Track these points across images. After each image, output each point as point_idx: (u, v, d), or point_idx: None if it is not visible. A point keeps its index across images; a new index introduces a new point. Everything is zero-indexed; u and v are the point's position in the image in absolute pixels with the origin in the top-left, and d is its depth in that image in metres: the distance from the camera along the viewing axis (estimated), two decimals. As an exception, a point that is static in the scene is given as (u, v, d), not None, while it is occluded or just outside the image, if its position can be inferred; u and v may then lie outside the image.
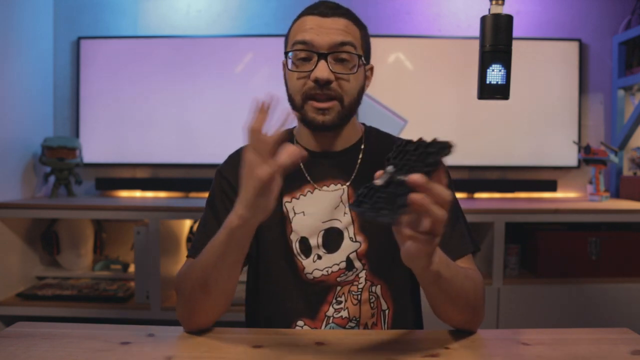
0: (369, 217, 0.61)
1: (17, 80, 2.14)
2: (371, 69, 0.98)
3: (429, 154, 0.61)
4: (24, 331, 0.81)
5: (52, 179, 2.30)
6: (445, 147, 0.60)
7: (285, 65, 0.96)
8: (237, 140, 1.09)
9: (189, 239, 2.22)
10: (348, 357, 0.74)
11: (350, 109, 0.92)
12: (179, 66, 2.34)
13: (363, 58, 0.91)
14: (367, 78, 0.96)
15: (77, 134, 2.36)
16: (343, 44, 0.87)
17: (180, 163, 2.36)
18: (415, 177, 0.58)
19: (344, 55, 0.88)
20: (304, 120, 0.91)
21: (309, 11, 0.91)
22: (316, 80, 0.86)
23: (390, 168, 0.65)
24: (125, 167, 2.41)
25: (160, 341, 0.79)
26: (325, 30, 0.87)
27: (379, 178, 0.64)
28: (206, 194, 0.99)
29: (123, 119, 2.35)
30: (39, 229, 2.18)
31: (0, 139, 2.03)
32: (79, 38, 2.36)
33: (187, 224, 2.23)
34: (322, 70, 0.86)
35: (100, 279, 2.19)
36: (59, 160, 2.19)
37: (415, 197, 0.58)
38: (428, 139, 0.63)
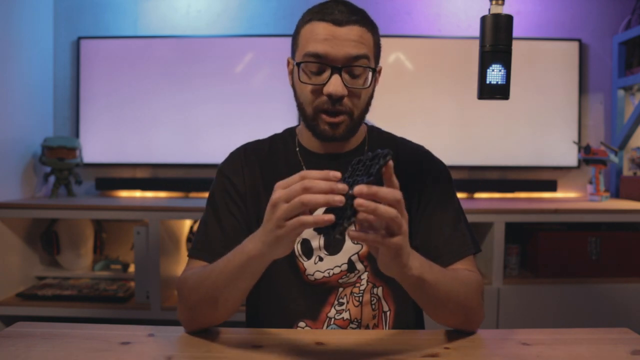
0: (327, 237, 0.63)
1: (17, 80, 2.14)
2: (380, 70, 0.94)
3: (371, 166, 0.63)
4: (24, 331, 0.81)
5: (52, 179, 2.30)
6: (383, 156, 0.62)
7: (291, 63, 0.93)
8: (237, 139, 1.08)
9: (189, 239, 2.22)
10: (348, 357, 0.74)
11: (360, 120, 0.91)
12: (179, 66, 2.34)
13: (375, 68, 0.89)
14: (375, 81, 0.93)
15: (77, 134, 2.36)
16: (358, 57, 0.84)
17: (180, 163, 2.36)
18: (358, 188, 0.60)
19: (357, 70, 0.85)
20: (314, 131, 0.89)
21: (321, 16, 0.85)
22: (329, 96, 0.84)
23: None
24: (125, 167, 2.41)
25: (160, 341, 0.79)
26: (340, 42, 0.83)
27: None
28: (206, 194, 0.98)
29: (123, 119, 2.35)
30: (39, 229, 2.18)
31: (0, 139, 2.03)
32: (79, 38, 2.36)
33: (187, 224, 2.23)
34: (336, 85, 0.83)
35: (100, 279, 2.19)
36: (59, 160, 2.19)
37: (358, 201, 0.60)
38: (373, 152, 0.66)
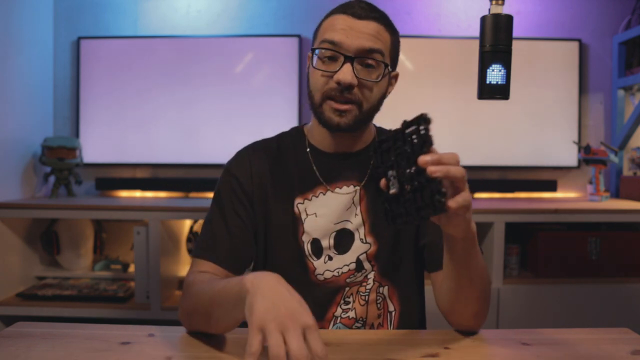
0: (418, 222, 0.63)
1: (17, 80, 2.14)
2: (396, 76, 0.96)
3: (410, 135, 0.63)
4: (24, 331, 0.81)
5: (52, 179, 2.30)
6: (424, 120, 0.63)
7: (310, 59, 0.94)
8: (237, 140, 1.09)
9: (189, 239, 2.22)
10: (349, 356, 0.74)
11: (369, 115, 0.91)
12: (179, 66, 2.34)
13: (389, 66, 0.90)
14: (390, 85, 0.95)
15: (77, 134, 2.36)
16: (371, 50, 0.85)
17: (180, 163, 2.36)
18: (423, 159, 0.62)
19: (370, 62, 0.86)
20: (320, 119, 0.89)
21: (342, 10, 0.88)
22: (338, 83, 0.85)
23: (391, 172, 0.64)
24: (125, 167, 2.41)
25: (160, 341, 0.79)
26: (356, 33, 0.85)
27: (391, 187, 0.65)
28: (206, 194, 0.99)
29: (123, 119, 2.35)
30: (39, 229, 2.18)
31: (0, 139, 2.03)
32: (79, 38, 2.36)
33: (187, 224, 2.23)
34: (346, 73, 0.84)
35: (100, 279, 2.19)
36: (59, 160, 2.19)
37: (432, 168, 0.61)
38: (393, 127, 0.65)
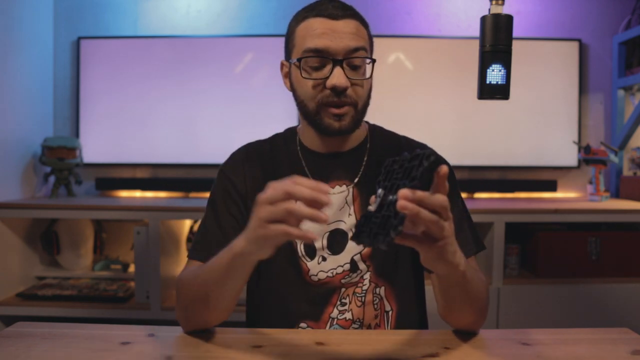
0: (367, 245, 0.61)
1: (17, 80, 2.14)
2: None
3: (412, 168, 0.61)
4: (24, 331, 0.81)
5: (52, 179, 2.30)
6: (426, 158, 0.59)
7: (285, 66, 0.94)
8: (236, 140, 1.08)
9: (189, 239, 2.22)
10: (348, 357, 0.74)
11: (363, 112, 0.91)
12: (179, 66, 2.34)
13: (374, 61, 0.89)
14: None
15: (77, 134, 2.36)
16: (357, 49, 0.85)
17: (180, 163, 2.36)
18: (403, 193, 0.58)
19: (357, 62, 0.86)
20: (319, 126, 0.89)
21: (317, 12, 0.86)
22: (333, 88, 0.84)
23: (380, 192, 0.64)
24: (125, 167, 2.41)
25: (160, 341, 0.79)
26: (339, 35, 0.85)
27: (372, 204, 0.64)
28: (206, 194, 0.98)
29: (123, 119, 2.35)
30: (39, 229, 2.18)
31: (0, 139, 2.03)
32: (79, 38, 2.36)
33: (187, 224, 2.23)
34: (339, 77, 0.84)
35: (100, 279, 2.19)
36: (59, 160, 2.19)
37: (402, 203, 0.57)
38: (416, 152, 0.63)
